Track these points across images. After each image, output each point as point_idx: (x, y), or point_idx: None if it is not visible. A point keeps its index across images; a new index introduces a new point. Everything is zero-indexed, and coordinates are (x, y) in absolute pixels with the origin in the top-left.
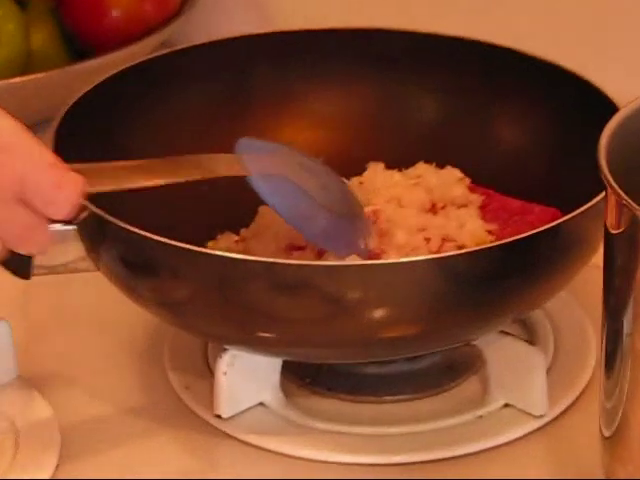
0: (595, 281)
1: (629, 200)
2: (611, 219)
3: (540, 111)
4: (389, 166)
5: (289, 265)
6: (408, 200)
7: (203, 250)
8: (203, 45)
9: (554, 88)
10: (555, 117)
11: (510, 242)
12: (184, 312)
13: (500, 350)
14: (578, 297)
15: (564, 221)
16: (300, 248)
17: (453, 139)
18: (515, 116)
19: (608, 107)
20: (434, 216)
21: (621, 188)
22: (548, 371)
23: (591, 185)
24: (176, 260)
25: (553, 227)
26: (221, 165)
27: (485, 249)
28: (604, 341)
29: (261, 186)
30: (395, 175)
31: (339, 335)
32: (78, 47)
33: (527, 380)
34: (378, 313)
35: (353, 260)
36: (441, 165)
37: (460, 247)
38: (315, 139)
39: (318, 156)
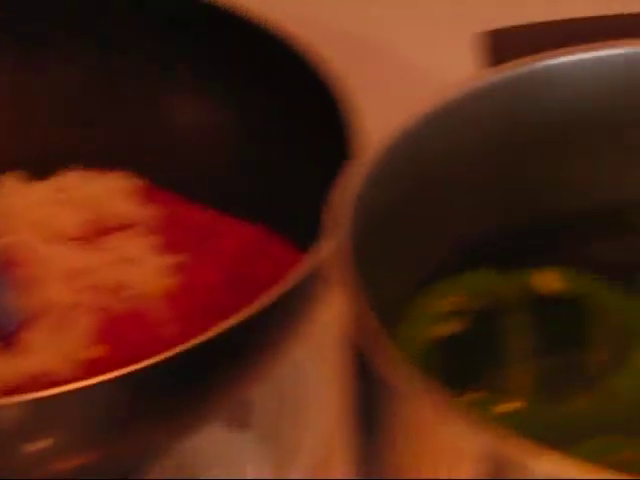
0: None
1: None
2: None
3: (238, 82)
4: (31, 175)
5: None
6: (57, 225)
7: None
8: None
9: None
10: (258, 89)
11: (194, 347)
12: None
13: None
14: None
15: (266, 307)
16: None
17: (114, 127)
18: (202, 88)
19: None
20: (97, 250)
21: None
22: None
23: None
24: None
25: (250, 317)
26: None
27: (163, 360)
28: None
29: None
30: (37, 188)
31: None
32: None
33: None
34: (38, 446)
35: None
36: (100, 167)
37: (142, 297)
38: None
39: None
